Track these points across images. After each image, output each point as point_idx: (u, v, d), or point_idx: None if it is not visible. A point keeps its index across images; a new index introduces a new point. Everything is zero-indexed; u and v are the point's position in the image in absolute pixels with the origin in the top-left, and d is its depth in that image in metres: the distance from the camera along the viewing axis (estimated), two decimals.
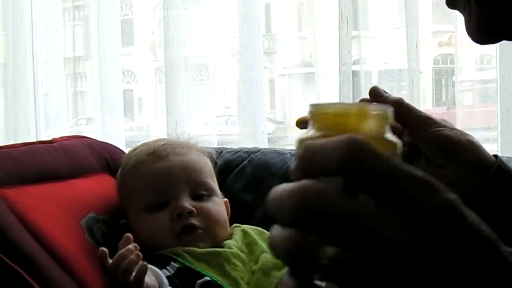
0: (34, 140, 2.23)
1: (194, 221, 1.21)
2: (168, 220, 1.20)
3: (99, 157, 1.39)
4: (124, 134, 2.20)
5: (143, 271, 1.07)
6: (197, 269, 1.14)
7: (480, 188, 0.87)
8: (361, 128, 0.45)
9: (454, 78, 2.05)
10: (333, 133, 0.41)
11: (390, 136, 0.46)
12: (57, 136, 2.15)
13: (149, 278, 1.08)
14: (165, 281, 1.11)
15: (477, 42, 0.72)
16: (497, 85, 1.80)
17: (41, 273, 1.07)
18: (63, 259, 1.13)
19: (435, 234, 0.36)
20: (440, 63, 2.43)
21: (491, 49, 1.88)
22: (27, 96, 2.29)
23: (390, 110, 0.47)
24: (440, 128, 0.88)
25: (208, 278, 1.14)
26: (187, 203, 1.21)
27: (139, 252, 1.08)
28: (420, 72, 1.88)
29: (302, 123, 0.77)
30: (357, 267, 0.35)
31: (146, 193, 1.24)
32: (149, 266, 1.10)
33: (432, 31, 2.33)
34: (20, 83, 2.29)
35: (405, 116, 0.89)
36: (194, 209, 1.21)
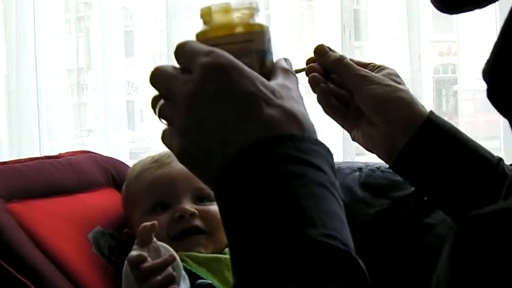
0: (37, 151, 2.25)
1: (198, 223, 1.19)
2: (166, 222, 1.19)
3: (104, 172, 1.40)
4: (127, 146, 2.20)
5: None
6: (198, 273, 1.14)
7: (406, 145, 0.87)
8: (230, 18, 0.63)
9: (455, 87, 2.06)
10: (213, 26, 0.63)
11: (256, 20, 0.64)
12: (60, 147, 2.16)
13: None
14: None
15: (441, 10, 0.69)
16: None
17: (48, 285, 1.08)
18: (70, 272, 1.13)
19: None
20: (441, 72, 2.43)
21: None
22: (30, 107, 2.29)
23: (254, 3, 0.64)
24: (372, 86, 0.88)
25: (209, 281, 1.13)
26: (189, 206, 1.20)
27: (174, 274, 1.06)
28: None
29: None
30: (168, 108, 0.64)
31: (148, 198, 1.23)
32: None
33: (432, 40, 2.34)
34: (23, 95, 2.29)
35: (343, 75, 0.90)
36: (196, 211, 1.19)
